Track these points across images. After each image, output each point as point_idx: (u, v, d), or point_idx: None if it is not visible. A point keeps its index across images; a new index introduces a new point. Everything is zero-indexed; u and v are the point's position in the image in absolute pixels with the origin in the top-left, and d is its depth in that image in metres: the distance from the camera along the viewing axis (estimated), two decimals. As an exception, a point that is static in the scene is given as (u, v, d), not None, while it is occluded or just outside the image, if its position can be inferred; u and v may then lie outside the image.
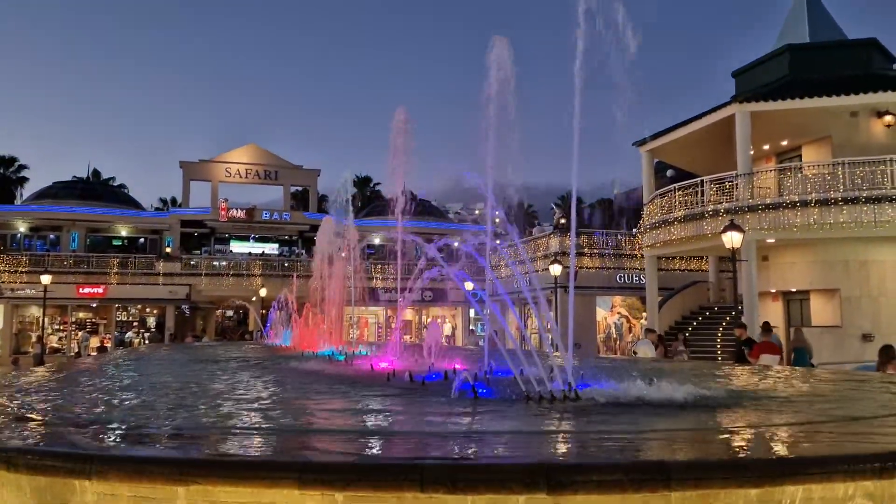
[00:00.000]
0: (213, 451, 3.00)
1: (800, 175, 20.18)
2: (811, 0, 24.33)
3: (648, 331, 18.35)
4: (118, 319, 41.39)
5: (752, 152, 21.25)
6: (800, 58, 22.64)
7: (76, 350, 37.30)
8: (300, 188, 53.84)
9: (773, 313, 22.28)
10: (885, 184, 18.42)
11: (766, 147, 23.42)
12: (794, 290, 21.87)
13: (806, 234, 19.19)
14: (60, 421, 3.90)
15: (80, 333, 39.47)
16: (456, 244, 7.89)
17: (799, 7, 24.45)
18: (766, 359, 12.93)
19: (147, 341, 37.95)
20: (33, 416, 4.03)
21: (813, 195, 18.91)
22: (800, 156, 22.74)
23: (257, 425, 3.98)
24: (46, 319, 37.11)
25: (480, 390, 5.32)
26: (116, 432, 3.50)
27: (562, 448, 3.28)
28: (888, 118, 20.91)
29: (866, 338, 19.54)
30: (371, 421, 4.38)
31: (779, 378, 7.62)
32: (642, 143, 25.29)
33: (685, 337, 20.83)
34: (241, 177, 45.53)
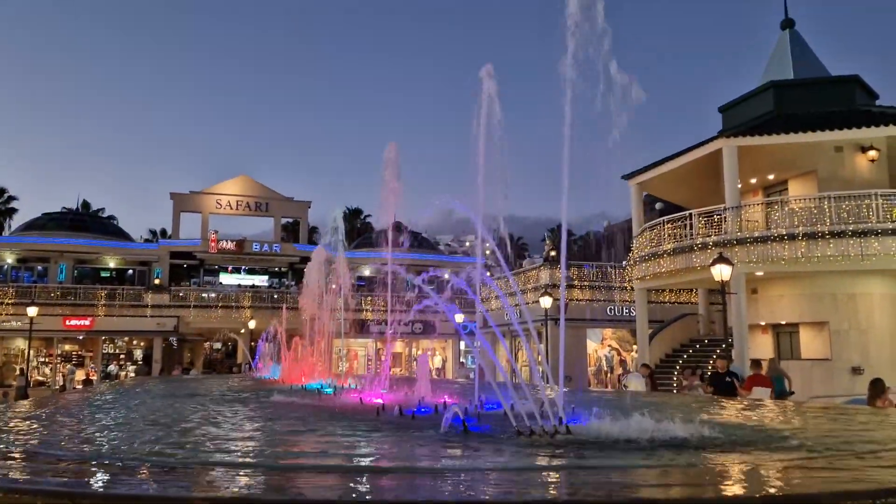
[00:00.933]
0: (200, 488, 2.96)
1: (787, 209, 20.38)
2: (794, 38, 24.82)
3: (643, 365, 18.35)
4: (105, 352, 40.94)
5: (739, 186, 21.47)
6: (784, 94, 23.02)
7: (61, 383, 36.81)
8: (291, 220, 53.85)
9: (763, 346, 22.32)
10: (870, 218, 18.61)
11: (754, 181, 23.69)
12: (783, 322, 21.94)
13: (794, 267, 19.32)
14: (40, 457, 3.84)
15: (66, 366, 39.00)
16: (446, 276, 7.89)
17: (783, 45, 24.93)
18: (758, 391, 12.95)
19: (134, 374, 37.54)
20: (12, 452, 3.96)
21: (800, 228, 19.08)
22: (786, 189, 23.00)
23: (243, 461, 3.93)
24: (32, 352, 36.66)
25: (471, 425, 5.28)
26: (96, 468, 3.45)
27: (551, 487, 3.25)
28: (872, 153, 21.24)
29: (856, 371, 19.57)
30: (360, 457, 4.33)
31: (770, 412, 7.60)
32: (631, 176, 25.53)
33: (702, 372, 19.13)
34: (231, 208, 45.52)
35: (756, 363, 15.13)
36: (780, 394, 14.06)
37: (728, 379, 13.33)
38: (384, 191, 11.13)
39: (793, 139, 20.27)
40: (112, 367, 39.81)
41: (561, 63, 5.92)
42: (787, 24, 24.92)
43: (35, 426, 5.83)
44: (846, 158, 21.54)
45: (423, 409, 6.88)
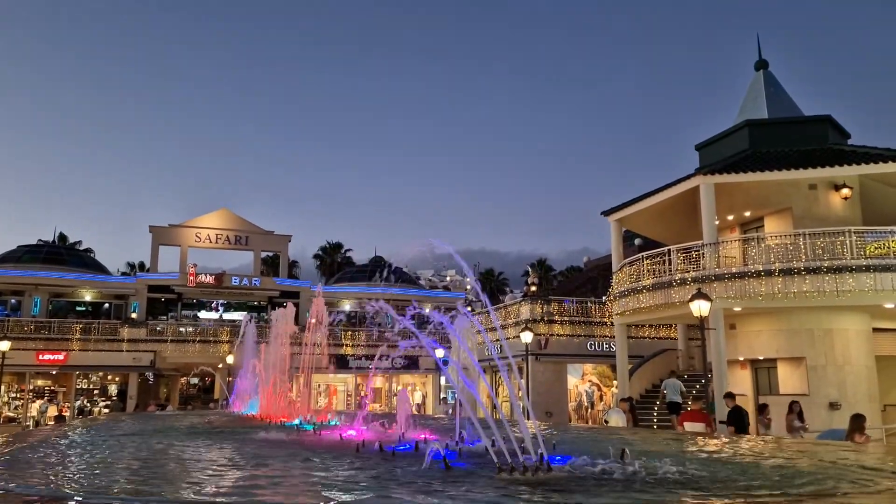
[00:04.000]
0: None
1: (763, 245, 20.67)
2: (768, 78, 25.46)
3: (622, 400, 18.38)
4: (79, 387, 40.11)
5: (717, 222, 21.78)
6: (759, 133, 23.52)
7: (33, 419, 35.95)
8: (271, 254, 53.62)
9: (742, 381, 22.42)
10: (844, 254, 18.92)
11: (731, 217, 24.04)
12: (761, 358, 22.08)
13: (771, 303, 19.53)
14: (13, 495, 3.75)
15: (37, 402, 38.13)
16: (427, 311, 7.89)
17: (757, 85, 25.54)
18: (690, 426, 13.17)
19: (108, 409, 36.78)
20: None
21: (776, 265, 19.34)
22: (763, 226, 23.35)
23: (216, 501, 3.86)
24: (3, 387, 35.84)
25: (452, 461, 5.24)
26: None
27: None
28: (845, 191, 21.69)
29: (833, 406, 19.69)
30: (340, 495, 4.27)
31: (753, 450, 7.62)
32: (610, 212, 25.81)
33: (799, 408, 16.12)
34: (211, 242, 45.24)
35: (697, 398, 15.25)
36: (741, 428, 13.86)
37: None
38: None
39: (768, 177, 20.67)
40: (78, 403, 38.87)
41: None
42: (761, 65, 25.58)
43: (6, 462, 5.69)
44: (820, 196, 21.97)
45: (404, 446, 6.82)
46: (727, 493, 4.28)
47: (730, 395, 15.83)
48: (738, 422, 13.67)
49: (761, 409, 15.80)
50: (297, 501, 3.94)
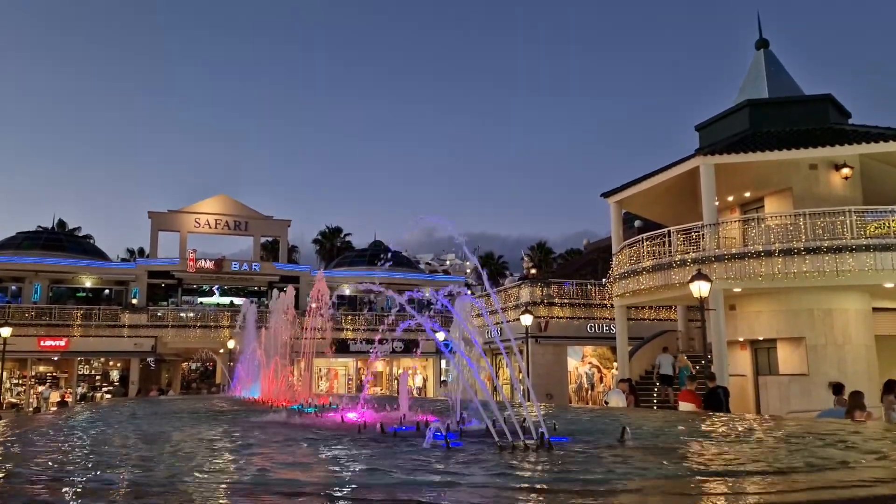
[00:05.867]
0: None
1: (763, 226, 20.64)
2: (769, 58, 25.30)
3: (622, 381, 18.45)
4: (80, 373, 40.25)
5: (716, 203, 21.73)
6: (760, 112, 23.40)
7: (35, 405, 36.12)
8: (270, 239, 53.56)
9: (742, 362, 22.49)
10: (844, 234, 18.90)
11: (731, 198, 23.98)
12: (761, 338, 22.13)
13: (770, 284, 19.54)
14: (17, 478, 3.76)
15: (39, 388, 38.30)
16: (427, 294, 7.89)
17: (757, 64, 25.39)
18: (684, 406, 13.33)
19: (110, 395, 36.93)
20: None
21: (776, 245, 19.32)
22: (763, 206, 23.30)
23: (225, 479, 3.88)
24: (5, 373, 35.95)
25: (453, 441, 5.26)
26: (74, 488, 3.38)
27: (533, 502, 3.24)
28: (845, 170, 21.62)
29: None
30: (343, 473, 4.29)
31: (751, 428, 7.65)
32: (610, 193, 25.75)
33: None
34: (210, 227, 45.20)
35: (693, 378, 15.38)
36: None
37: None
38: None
39: (768, 157, 20.59)
40: (80, 389, 39.02)
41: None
42: (762, 44, 25.41)
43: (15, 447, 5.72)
44: (820, 176, 21.91)
45: (405, 427, 6.85)
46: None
47: (710, 377, 16.09)
48: (713, 402, 13.92)
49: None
50: (312, 476, 3.96)
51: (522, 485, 3.79)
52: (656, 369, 23.20)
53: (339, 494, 3.23)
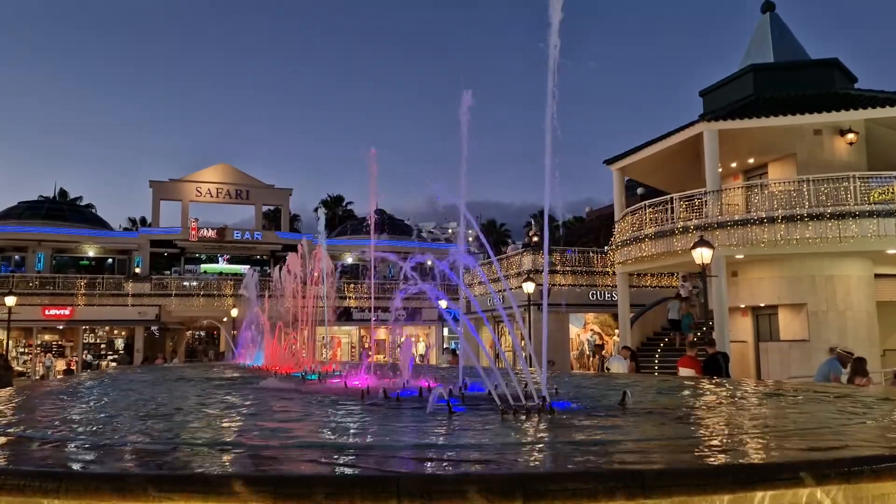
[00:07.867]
0: (185, 467, 2.96)
1: (766, 192, 20.58)
2: (775, 21, 24.96)
3: (624, 348, 18.59)
4: (85, 341, 40.61)
5: (720, 170, 21.63)
6: (764, 77, 23.17)
7: (42, 373, 36.51)
8: (272, 208, 53.56)
9: (743, 328, 22.60)
10: (848, 200, 18.84)
11: (734, 164, 23.87)
12: (762, 305, 22.20)
13: (773, 250, 19.53)
14: (27, 440, 3.82)
15: (45, 356, 38.67)
16: (429, 262, 7.90)
17: (763, 28, 25.07)
18: (683, 371, 13.45)
19: (115, 363, 37.29)
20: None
21: (779, 211, 19.28)
22: (766, 173, 23.20)
23: (229, 441, 3.93)
24: (11, 342, 36.28)
25: (455, 405, 5.31)
26: (84, 450, 3.43)
27: (536, 459, 3.28)
28: (850, 136, 21.47)
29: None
30: (346, 436, 4.35)
31: (750, 391, 7.71)
32: (613, 161, 25.64)
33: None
34: (212, 196, 45.18)
35: (693, 345, 15.40)
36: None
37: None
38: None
39: (772, 122, 20.43)
40: (88, 357, 39.40)
41: (549, 34, 5.77)
42: (768, 7, 25.07)
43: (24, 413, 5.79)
44: (825, 141, 21.78)
45: (408, 392, 6.91)
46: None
47: (710, 343, 16.06)
48: (713, 368, 13.99)
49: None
50: (306, 440, 4.02)
51: (524, 441, 3.84)
52: (668, 312, 24.95)
53: (342, 456, 3.28)
